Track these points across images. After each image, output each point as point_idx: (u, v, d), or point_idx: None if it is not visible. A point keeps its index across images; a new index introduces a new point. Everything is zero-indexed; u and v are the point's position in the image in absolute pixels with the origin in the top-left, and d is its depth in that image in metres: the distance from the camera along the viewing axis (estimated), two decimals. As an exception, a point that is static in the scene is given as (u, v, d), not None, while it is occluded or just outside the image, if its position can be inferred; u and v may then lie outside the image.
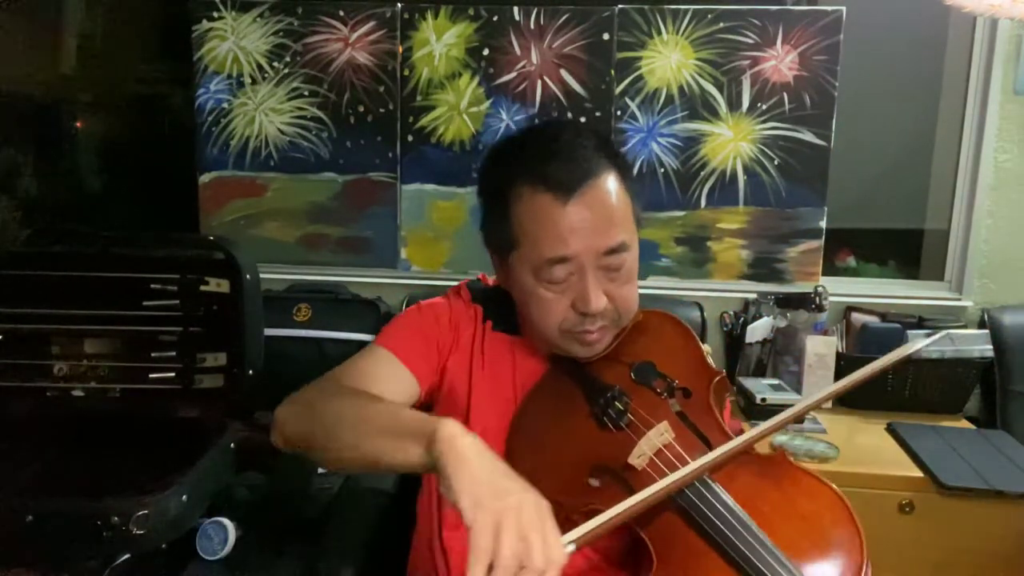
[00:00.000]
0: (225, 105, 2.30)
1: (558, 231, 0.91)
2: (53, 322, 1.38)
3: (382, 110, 2.26)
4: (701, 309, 2.14)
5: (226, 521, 1.23)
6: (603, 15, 2.16)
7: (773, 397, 1.85)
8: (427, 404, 1.07)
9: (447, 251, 2.31)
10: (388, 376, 1.00)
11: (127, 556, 1.14)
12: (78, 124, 2.60)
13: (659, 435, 0.91)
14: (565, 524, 0.76)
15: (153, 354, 1.37)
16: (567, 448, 0.96)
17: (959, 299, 2.19)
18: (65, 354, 1.39)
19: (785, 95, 2.15)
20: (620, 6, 2.15)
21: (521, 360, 1.05)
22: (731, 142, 2.18)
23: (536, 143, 0.98)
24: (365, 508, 1.38)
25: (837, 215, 2.21)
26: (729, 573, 0.79)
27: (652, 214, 2.21)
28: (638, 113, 2.19)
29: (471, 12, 2.19)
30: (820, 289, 2.05)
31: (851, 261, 2.46)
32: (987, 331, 2.02)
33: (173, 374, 1.37)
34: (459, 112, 2.24)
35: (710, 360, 1.02)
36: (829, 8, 2.11)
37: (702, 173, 2.20)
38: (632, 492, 0.82)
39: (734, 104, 2.17)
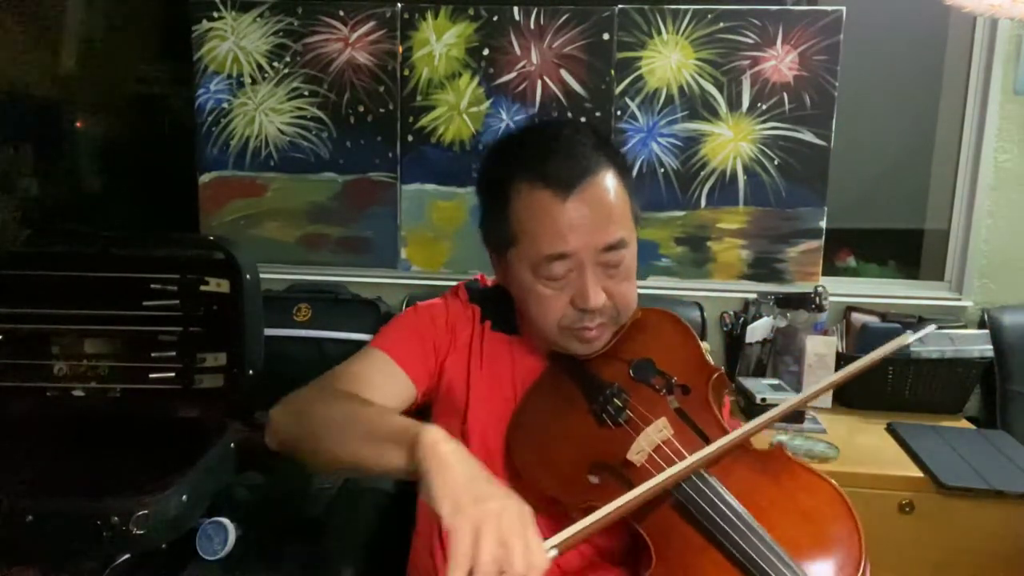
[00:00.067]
0: (225, 105, 2.30)
1: (557, 228, 0.91)
2: (53, 322, 1.38)
3: (382, 110, 2.26)
4: (701, 309, 2.14)
5: (226, 521, 1.23)
6: (603, 15, 2.16)
7: (773, 397, 1.85)
8: (426, 405, 1.08)
9: (447, 251, 2.31)
10: (383, 378, 1.00)
11: (127, 556, 1.14)
12: (78, 124, 2.60)
13: (658, 431, 0.91)
14: (564, 521, 0.76)
15: (153, 354, 1.37)
16: (566, 445, 0.96)
17: (959, 299, 2.19)
18: (65, 354, 1.39)
19: (785, 95, 2.15)
20: (620, 6, 2.15)
21: (520, 359, 1.05)
22: (731, 142, 2.18)
23: (535, 141, 0.99)
24: (365, 508, 1.38)
25: (837, 215, 2.21)
26: (728, 568, 0.79)
27: (652, 214, 2.21)
28: (638, 113, 2.19)
29: (471, 12, 2.19)
30: (820, 289, 2.05)
31: (851, 261, 2.46)
32: (987, 331, 2.02)
33: (173, 374, 1.37)
34: (459, 112, 2.24)
35: (709, 357, 1.02)
36: (829, 8, 2.11)
37: (702, 173, 2.20)
38: (631, 488, 0.82)
39: (734, 104, 2.17)
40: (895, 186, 2.62)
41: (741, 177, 2.19)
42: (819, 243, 2.20)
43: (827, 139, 2.15)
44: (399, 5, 2.21)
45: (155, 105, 2.69)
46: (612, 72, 2.18)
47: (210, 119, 2.31)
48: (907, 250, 2.47)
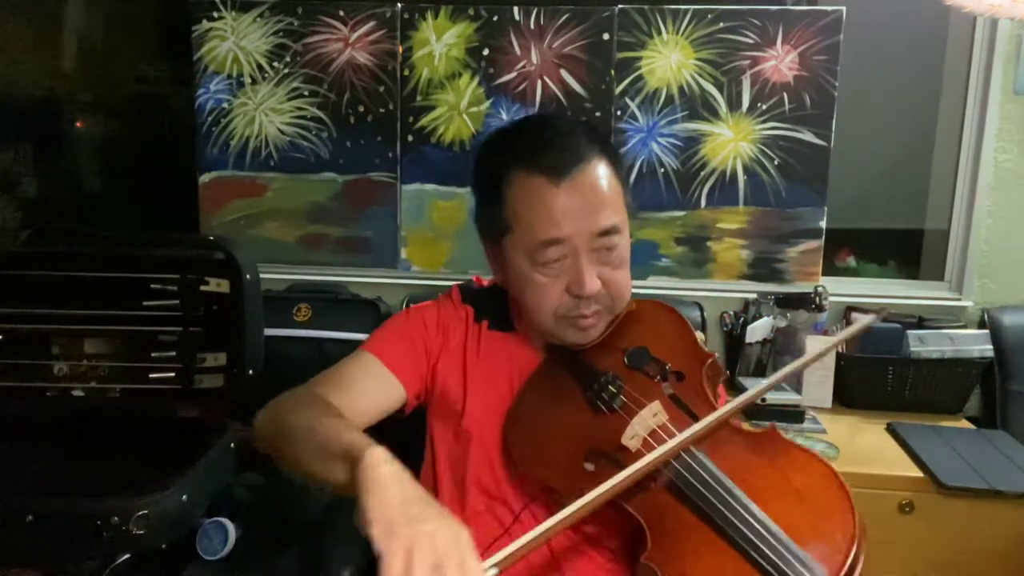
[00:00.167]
0: (225, 105, 2.30)
1: (551, 213, 0.93)
2: (53, 322, 1.38)
3: (382, 110, 2.26)
4: (701, 309, 2.14)
5: (226, 521, 1.23)
6: (603, 15, 2.16)
7: (773, 397, 1.85)
8: (421, 406, 1.08)
9: (447, 251, 2.31)
10: (371, 382, 1.01)
11: (127, 556, 1.14)
12: (78, 124, 2.60)
13: (652, 415, 0.92)
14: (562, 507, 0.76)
15: (153, 354, 1.38)
16: (562, 435, 0.97)
17: (959, 299, 2.19)
18: (65, 354, 1.39)
19: (785, 95, 2.15)
20: (620, 6, 2.15)
21: (516, 356, 1.06)
22: (731, 142, 2.18)
23: (529, 131, 1.01)
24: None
25: (837, 215, 2.21)
26: (723, 547, 0.79)
27: (652, 214, 2.21)
28: (638, 113, 2.19)
29: (471, 12, 2.19)
30: (820, 289, 2.05)
31: (851, 261, 2.46)
32: (987, 331, 2.02)
33: (173, 374, 1.37)
34: (459, 112, 2.24)
35: (703, 345, 1.03)
36: (829, 8, 2.11)
37: (702, 173, 2.20)
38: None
39: (734, 104, 2.16)
40: (895, 186, 2.62)
41: (741, 177, 2.19)
42: (819, 243, 2.20)
43: (827, 139, 2.15)
44: (399, 5, 2.21)
45: (155, 105, 2.69)
46: (612, 72, 2.18)
47: (210, 119, 2.31)
48: (907, 250, 2.47)
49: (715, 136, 2.18)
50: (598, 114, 2.19)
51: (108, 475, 1.14)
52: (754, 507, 0.80)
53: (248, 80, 2.29)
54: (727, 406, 0.91)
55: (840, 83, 2.12)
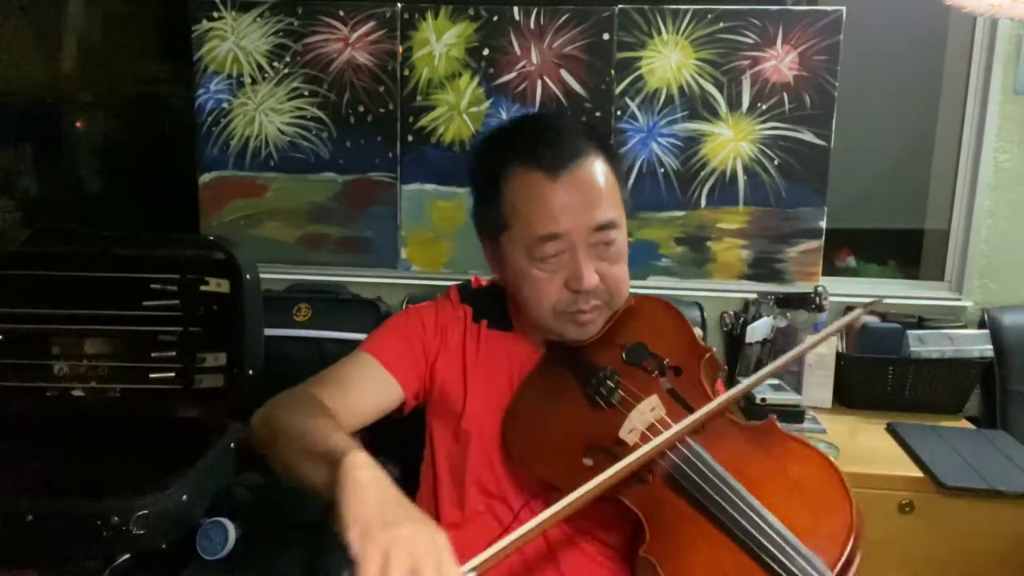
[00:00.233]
0: (225, 105, 2.30)
1: (549, 208, 0.93)
2: (53, 322, 1.38)
3: (382, 110, 2.26)
4: (701, 309, 2.14)
5: (226, 521, 1.23)
6: (603, 15, 2.16)
7: (773, 397, 1.85)
8: (420, 407, 1.08)
9: (447, 251, 2.31)
10: (368, 381, 1.02)
11: (127, 556, 1.14)
12: (78, 124, 2.60)
13: (650, 409, 0.93)
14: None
15: (153, 354, 1.37)
16: (561, 431, 0.97)
17: (959, 299, 2.19)
18: (65, 354, 1.39)
19: (785, 95, 2.15)
20: (620, 6, 2.15)
21: (516, 354, 1.06)
22: (731, 142, 2.18)
23: (527, 128, 1.03)
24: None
25: (837, 215, 2.21)
26: (721, 539, 0.79)
27: (652, 214, 2.21)
28: (638, 113, 2.19)
29: (471, 12, 2.19)
30: (820, 289, 2.05)
31: (851, 261, 2.46)
32: (987, 331, 2.02)
33: (173, 374, 1.37)
34: (459, 112, 2.24)
35: (700, 341, 1.03)
36: (829, 8, 2.11)
37: (702, 173, 2.20)
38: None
39: (734, 104, 2.17)
40: (895, 186, 2.62)
41: (741, 177, 2.19)
42: (819, 243, 2.20)
43: (827, 139, 2.15)
44: (399, 5, 2.21)
45: (155, 105, 2.69)
46: (612, 72, 2.18)
47: (210, 119, 2.31)
48: (907, 250, 2.47)
49: (715, 136, 2.18)
50: (598, 114, 2.19)
51: (108, 475, 1.14)
52: (751, 498, 0.80)
53: (248, 80, 2.29)
54: (723, 396, 0.92)
55: (840, 83, 2.12)
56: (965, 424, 1.92)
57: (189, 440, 1.25)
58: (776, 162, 2.17)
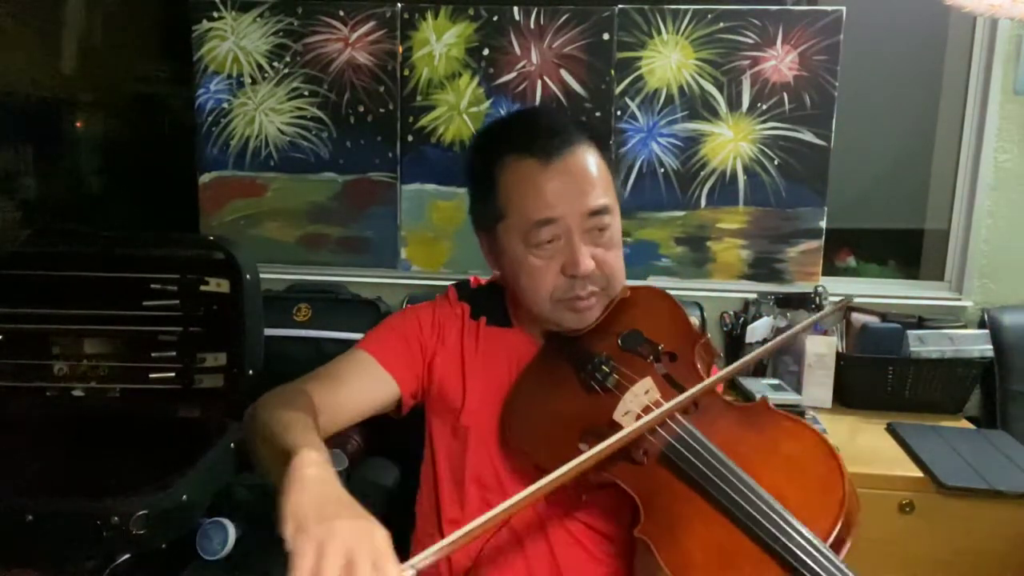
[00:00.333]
0: (225, 105, 2.30)
1: (543, 194, 0.95)
2: (53, 322, 1.38)
3: (382, 110, 2.26)
4: (701, 309, 2.14)
5: (226, 521, 1.23)
6: (603, 15, 2.16)
7: (773, 397, 1.84)
8: (419, 407, 1.09)
9: (447, 251, 2.31)
10: (364, 378, 1.02)
11: (127, 556, 1.14)
12: (78, 124, 2.60)
13: (644, 392, 0.93)
14: (563, 496, 0.75)
15: (153, 354, 1.38)
16: (557, 417, 0.98)
17: (959, 299, 2.19)
18: (65, 354, 1.39)
19: (785, 95, 2.15)
20: (620, 6, 2.15)
21: (515, 350, 1.07)
22: (731, 142, 2.18)
23: (520, 121, 1.05)
24: (365, 508, 1.38)
25: (837, 215, 2.21)
26: (715, 517, 0.80)
27: (652, 214, 2.20)
28: (638, 113, 2.19)
29: (471, 12, 2.19)
30: (820, 289, 2.05)
31: (851, 261, 2.46)
32: (987, 331, 2.02)
33: (173, 374, 1.37)
34: (459, 112, 2.24)
35: (696, 327, 1.04)
36: (829, 8, 2.11)
37: (702, 173, 2.20)
38: (620, 453, 0.84)
39: (734, 104, 2.16)
40: (895, 186, 2.62)
41: (741, 177, 2.19)
42: (819, 243, 2.20)
43: (827, 139, 2.15)
44: (399, 5, 2.21)
45: (155, 105, 2.69)
46: (612, 72, 2.18)
47: (210, 119, 2.31)
48: (907, 250, 2.47)
49: (715, 136, 2.18)
50: (598, 114, 2.19)
51: (108, 475, 1.14)
52: (744, 475, 0.81)
53: (248, 80, 2.29)
54: (715, 376, 0.94)
55: (840, 83, 2.12)
56: (965, 424, 1.92)
57: (189, 440, 1.25)
58: (776, 162, 2.17)
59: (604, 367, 0.98)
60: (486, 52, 2.21)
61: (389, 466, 1.65)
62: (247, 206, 2.34)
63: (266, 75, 2.28)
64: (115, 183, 2.68)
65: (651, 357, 0.99)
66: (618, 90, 2.18)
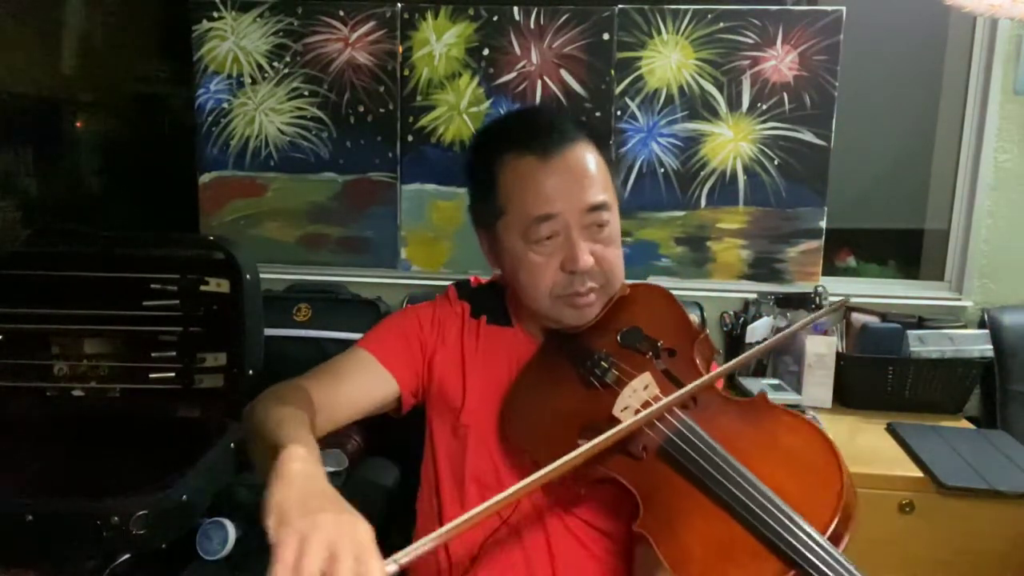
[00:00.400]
0: (225, 105, 2.30)
1: (542, 190, 0.96)
2: (53, 322, 1.38)
3: (382, 110, 2.26)
4: (701, 309, 2.14)
5: (226, 521, 1.23)
6: (603, 15, 2.16)
7: (773, 397, 1.84)
8: (419, 406, 1.09)
9: (447, 251, 2.31)
10: (365, 375, 1.03)
11: (127, 556, 1.14)
12: (78, 124, 2.60)
13: (643, 387, 0.94)
14: (564, 492, 0.75)
15: (153, 354, 1.38)
16: (557, 414, 0.98)
17: (959, 299, 2.19)
18: (65, 354, 1.39)
19: (785, 95, 2.15)
20: (620, 6, 2.15)
21: (515, 349, 1.07)
22: (731, 142, 2.18)
23: (519, 119, 1.07)
24: (364, 508, 1.38)
25: (837, 215, 2.21)
26: (714, 510, 0.80)
27: (652, 214, 2.20)
28: (638, 113, 2.19)
29: (471, 12, 2.19)
30: (820, 289, 2.05)
31: (851, 261, 2.46)
32: (987, 331, 2.02)
33: (173, 374, 1.37)
34: (459, 112, 2.24)
35: (695, 323, 1.05)
36: (829, 8, 2.11)
37: (702, 173, 2.20)
38: (619, 447, 0.85)
39: (734, 104, 2.16)
40: (895, 186, 2.62)
41: (741, 177, 2.19)
42: (819, 243, 2.20)
43: (827, 139, 2.15)
44: (399, 5, 2.21)
45: (155, 105, 2.69)
46: (612, 72, 2.18)
47: (210, 119, 2.31)
48: (907, 250, 2.47)
49: (715, 136, 2.18)
50: (598, 114, 2.19)
51: (108, 475, 1.14)
52: (743, 468, 0.81)
53: (248, 80, 2.29)
54: (715, 371, 0.94)
55: (840, 83, 2.12)
56: (965, 424, 1.92)
57: (189, 440, 1.25)
58: (776, 162, 2.17)
59: (603, 363, 0.99)
60: (486, 52, 2.21)
61: (389, 466, 1.65)
62: (247, 206, 2.34)
63: (266, 75, 2.28)
64: (115, 183, 2.68)
65: (650, 353, 1.00)
66: (618, 90, 2.18)
